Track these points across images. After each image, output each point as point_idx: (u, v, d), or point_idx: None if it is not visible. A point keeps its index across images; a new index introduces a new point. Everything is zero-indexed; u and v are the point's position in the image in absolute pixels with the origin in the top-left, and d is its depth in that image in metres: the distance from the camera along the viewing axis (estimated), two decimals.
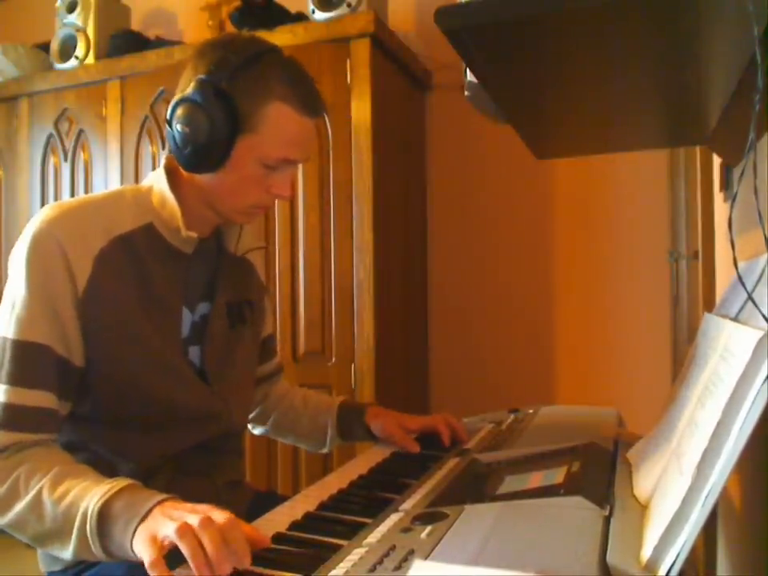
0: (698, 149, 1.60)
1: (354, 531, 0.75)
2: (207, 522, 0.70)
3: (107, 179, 2.62)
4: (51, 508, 0.83)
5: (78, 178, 2.71)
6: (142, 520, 0.76)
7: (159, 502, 0.78)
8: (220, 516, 0.71)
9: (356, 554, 0.67)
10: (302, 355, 2.29)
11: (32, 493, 0.85)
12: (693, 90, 0.83)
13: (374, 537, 0.72)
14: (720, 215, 1.41)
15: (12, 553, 2.61)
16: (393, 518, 0.77)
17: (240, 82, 0.95)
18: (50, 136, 2.74)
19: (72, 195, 2.71)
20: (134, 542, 0.75)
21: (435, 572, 0.59)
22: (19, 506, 0.85)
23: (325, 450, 1.34)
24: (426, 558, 0.62)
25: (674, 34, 0.63)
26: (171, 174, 1.04)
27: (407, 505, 0.83)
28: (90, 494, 0.81)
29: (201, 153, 0.96)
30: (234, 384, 1.13)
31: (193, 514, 0.72)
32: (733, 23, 0.58)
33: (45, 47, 2.87)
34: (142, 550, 0.72)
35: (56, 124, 2.73)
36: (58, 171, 2.74)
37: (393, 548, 0.66)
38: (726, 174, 1.24)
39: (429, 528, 0.70)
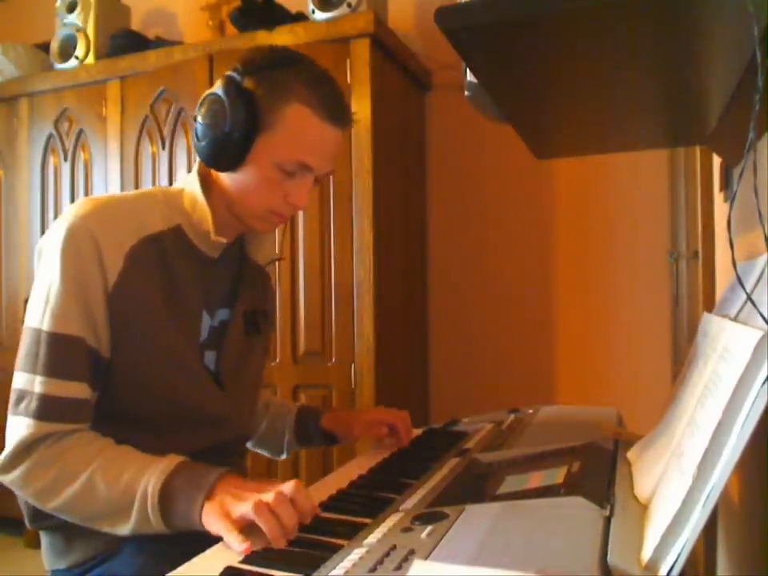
0: (698, 149, 1.60)
1: (354, 531, 0.75)
2: (280, 497, 0.78)
3: (107, 179, 2.62)
4: (106, 490, 0.88)
5: (78, 178, 2.71)
6: (207, 497, 0.83)
7: (219, 477, 0.85)
8: (286, 487, 0.80)
9: (356, 554, 0.67)
10: (301, 355, 2.29)
11: (83, 477, 0.89)
12: (693, 90, 0.84)
13: (374, 537, 0.72)
14: (720, 215, 1.41)
15: (12, 553, 2.61)
16: (393, 518, 0.77)
17: (264, 82, 0.96)
18: (50, 136, 2.74)
19: (72, 195, 2.71)
20: (203, 517, 0.82)
21: (435, 572, 0.59)
22: (70, 491, 0.89)
23: (283, 456, 1.34)
24: (426, 558, 0.62)
25: (674, 34, 0.63)
26: (203, 179, 1.05)
27: (407, 505, 0.83)
28: (146, 473, 0.87)
29: (218, 146, 0.97)
30: (245, 391, 1.14)
31: (265, 492, 0.80)
32: (733, 23, 0.58)
33: (45, 47, 2.88)
34: (219, 526, 0.78)
35: (56, 124, 2.73)
36: (57, 171, 2.74)
37: (393, 548, 0.66)
38: (726, 174, 1.24)
39: (429, 528, 0.70)
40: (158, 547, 0.89)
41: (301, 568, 0.66)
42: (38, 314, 0.94)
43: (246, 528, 0.77)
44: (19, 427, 0.91)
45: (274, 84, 0.96)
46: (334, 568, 0.65)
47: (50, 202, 2.75)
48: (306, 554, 0.71)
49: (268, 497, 0.78)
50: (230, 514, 0.80)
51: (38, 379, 0.91)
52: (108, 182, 2.62)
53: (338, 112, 0.99)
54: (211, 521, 0.81)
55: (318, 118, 0.97)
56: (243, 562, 0.70)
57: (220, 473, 0.87)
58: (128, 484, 0.88)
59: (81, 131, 2.69)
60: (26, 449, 0.91)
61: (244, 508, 0.78)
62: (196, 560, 0.73)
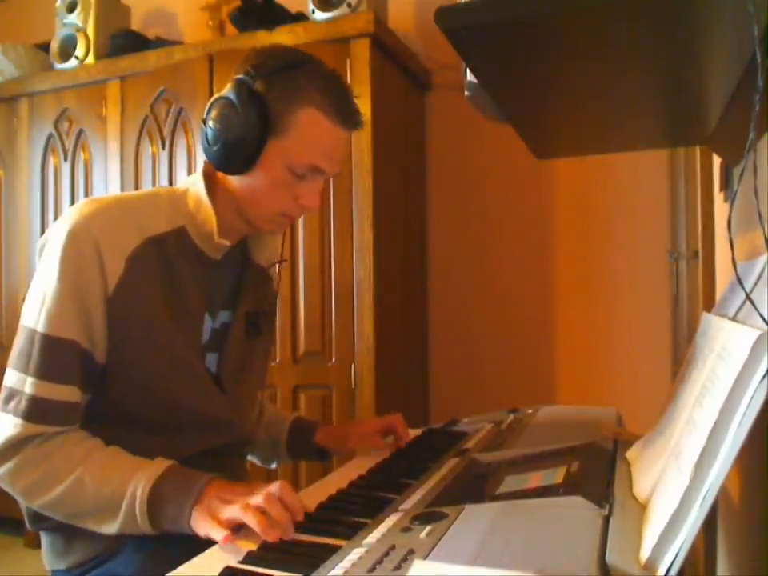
0: (697, 149, 1.60)
1: (353, 531, 0.75)
2: (269, 496, 0.79)
3: (107, 179, 2.62)
4: (94, 490, 0.89)
5: (78, 178, 2.71)
6: (196, 502, 0.84)
7: (208, 482, 0.87)
8: (273, 487, 0.81)
9: (356, 554, 0.67)
10: (301, 355, 2.29)
11: (72, 476, 0.90)
12: (693, 90, 0.84)
13: (373, 537, 0.72)
14: (720, 215, 1.41)
15: (12, 553, 2.61)
16: (392, 518, 0.77)
17: (275, 86, 0.95)
18: (50, 136, 2.74)
19: (72, 195, 2.71)
20: (192, 521, 0.84)
21: (435, 572, 0.59)
22: (58, 489, 0.90)
23: (273, 466, 1.33)
24: (425, 558, 0.62)
25: (674, 34, 0.63)
26: (208, 180, 1.04)
27: (407, 505, 0.83)
28: (135, 476, 0.88)
29: (230, 151, 0.96)
30: (245, 393, 1.14)
31: (253, 494, 0.81)
32: (733, 23, 0.58)
33: (45, 47, 2.88)
34: (208, 529, 0.80)
35: (56, 124, 2.73)
36: (57, 171, 2.74)
37: (392, 548, 0.66)
38: (726, 174, 1.24)
39: (428, 528, 0.70)
40: (157, 547, 0.89)
41: (300, 568, 0.66)
42: (34, 314, 0.93)
43: (244, 531, 0.78)
44: (7, 425, 0.92)
45: (286, 88, 0.95)
46: (333, 568, 0.65)
47: (50, 202, 2.75)
48: (306, 554, 0.71)
49: (257, 499, 0.80)
50: (219, 517, 0.81)
51: (29, 380, 0.91)
52: (108, 182, 2.62)
53: (349, 115, 0.99)
54: (199, 525, 0.82)
55: (331, 122, 0.97)
56: (243, 562, 0.71)
57: (208, 478, 0.87)
58: (116, 486, 0.88)
59: (81, 131, 2.69)
60: (12, 447, 0.92)
61: (232, 511, 0.80)
62: (196, 560, 0.73)
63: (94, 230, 0.94)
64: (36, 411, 0.91)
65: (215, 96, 0.99)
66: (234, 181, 1.01)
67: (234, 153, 0.96)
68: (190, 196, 1.04)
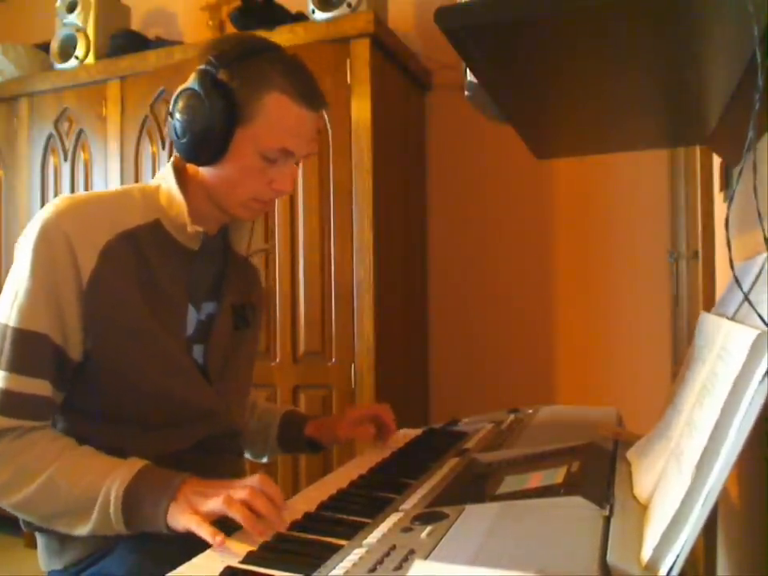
0: (698, 149, 1.60)
1: (354, 531, 0.75)
2: (252, 490, 0.80)
3: (107, 179, 2.62)
4: (66, 491, 0.88)
5: (78, 178, 2.71)
6: (173, 498, 0.84)
7: (183, 480, 0.86)
8: (253, 481, 0.83)
9: (356, 554, 0.67)
10: (301, 355, 2.29)
11: (44, 476, 0.89)
12: (693, 90, 0.84)
13: (374, 537, 0.72)
14: (720, 215, 1.41)
15: (12, 553, 2.61)
16: (393, 518, 0.77)
17: (238, 73, 0.96)
18: (50, 136, 2.74)
19: None
20: (169, 518, 0.83)
21: (435, 572, 0.59)
22: (29, 489, 0.89)
23: (264, 460, 1.33)
24: (426, 558, 0.62)
25: (673, 34, 0.63)
26: (178, 173, 1.05)
27: (407, 505, 0.83)
28: (109, 476, 0.88)
29: (198, 141, 0.97)
30: (234, 384, 1.14)
31: (238, 488, 0.82)
32: (733, 23, 0.58)
33: (45, 47, 2.87)
34: (187, 522, 0.81)
35: (56, 124, 2.73)
36: (57, 171, 2.74)
37: (393, 548, 0.66)
38: (726, 174, 1.24)
39: (429, 528, 0.70)
40: (152, 546, 0.89)
41: (301, 568, 0.66)
42: (6, 310, 0.94)
43: (238, 535, 0.78)
44: None
45: (250, 74, 0.96)
46: (334, 568, 0.65)
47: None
48: (306, 553, 0.71)
49: (241, 492, 0.81)
50: (199, 510, 0.81)
51: (1, 373, 0.92)
52: (108, 182, 2.61)
53: (313, 96, 1.00)
54: (178, 519, 0.82)
55: (297, 105, 0.98)
56: (243, 561, 0.71)
57: (183, 476, 0.87)
58: (89, 487, 0.88)
59: (81, 131, 2.69)
60: None
61: (213, 503, 0.80)
62: (196, 560, 0.73)
63: (64, 225, 0.94)
64: (8, 405, 0.91)
65: (180, 87, 0.99)
66: (205, 172, 1.02)
67: (202, 144, 0.97)
68: (161, 191, 1.05)
